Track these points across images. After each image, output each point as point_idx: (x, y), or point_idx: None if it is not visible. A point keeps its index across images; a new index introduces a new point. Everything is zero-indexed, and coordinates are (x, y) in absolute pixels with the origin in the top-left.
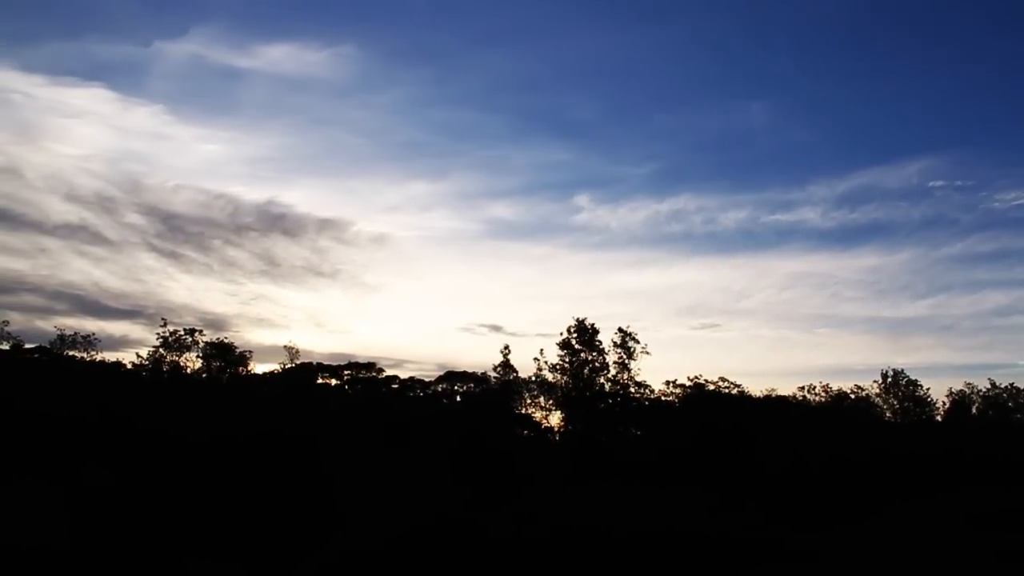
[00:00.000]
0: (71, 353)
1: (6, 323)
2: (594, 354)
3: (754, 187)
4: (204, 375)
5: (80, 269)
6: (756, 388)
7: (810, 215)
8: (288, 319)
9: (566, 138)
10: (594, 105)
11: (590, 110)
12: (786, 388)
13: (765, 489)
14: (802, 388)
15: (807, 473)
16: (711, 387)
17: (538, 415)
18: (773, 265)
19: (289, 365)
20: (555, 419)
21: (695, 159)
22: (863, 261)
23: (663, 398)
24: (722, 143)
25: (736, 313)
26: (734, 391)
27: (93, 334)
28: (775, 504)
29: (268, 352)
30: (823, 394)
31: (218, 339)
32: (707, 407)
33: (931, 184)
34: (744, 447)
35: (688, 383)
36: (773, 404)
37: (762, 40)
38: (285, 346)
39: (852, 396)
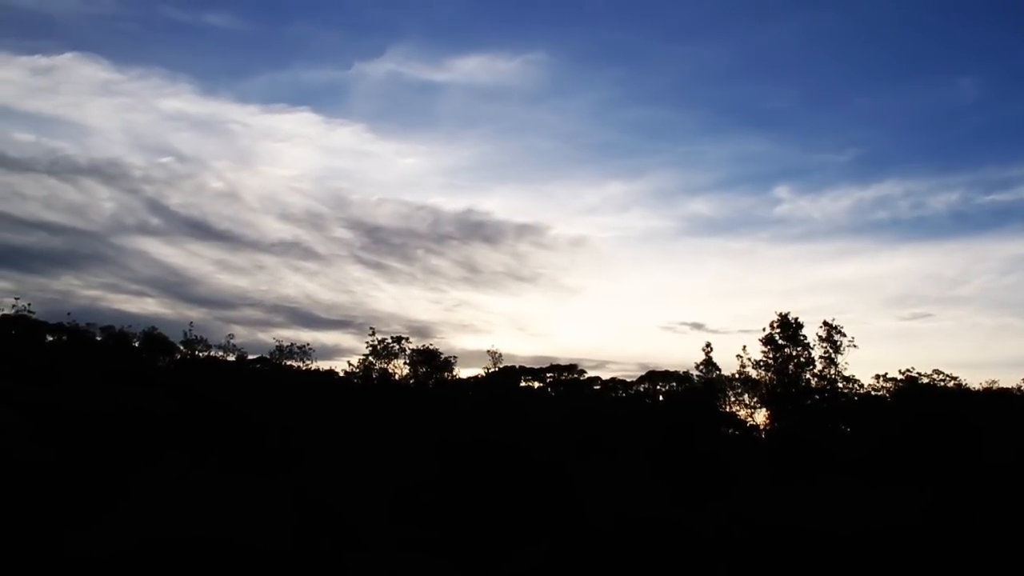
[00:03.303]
0: (289, 362)
1: (231, 336)
2: (799, 349)
3: (966, 167)
4: (412, 381)
5: (295, 283)
6: (975, 380)
7: None
8: (490, 324)
9: (762, 129)
10: (790, 93)
11: (786, 98)
12: (1010, 380)
13: (988, 488)
14: None
15: None
16: (925, 380)
17: (742, 413)
18: (990, 248)
19: (493, 369)
20: (760, 417)
21: (899, 141)
22: None
23: (873, 393)
24: (928, 122)
25: (950, 301)
26: (950, 384)
27: (308, 344)
28: (1001, 504)
29: (472, 357)
30: None
31: (424, 346)
32: (921, 401)
33: None
34: (963, 444)
35: (899, 376)
36: (995, 397)
37: (965, 9)
38: (488, 351)
39: None
